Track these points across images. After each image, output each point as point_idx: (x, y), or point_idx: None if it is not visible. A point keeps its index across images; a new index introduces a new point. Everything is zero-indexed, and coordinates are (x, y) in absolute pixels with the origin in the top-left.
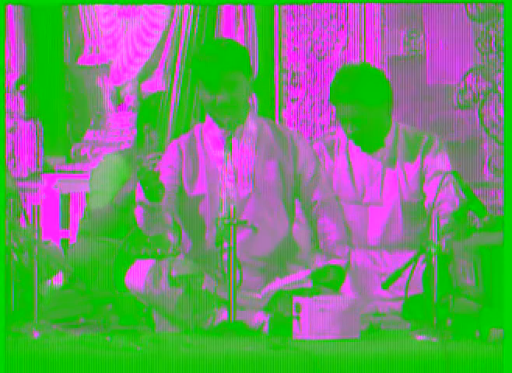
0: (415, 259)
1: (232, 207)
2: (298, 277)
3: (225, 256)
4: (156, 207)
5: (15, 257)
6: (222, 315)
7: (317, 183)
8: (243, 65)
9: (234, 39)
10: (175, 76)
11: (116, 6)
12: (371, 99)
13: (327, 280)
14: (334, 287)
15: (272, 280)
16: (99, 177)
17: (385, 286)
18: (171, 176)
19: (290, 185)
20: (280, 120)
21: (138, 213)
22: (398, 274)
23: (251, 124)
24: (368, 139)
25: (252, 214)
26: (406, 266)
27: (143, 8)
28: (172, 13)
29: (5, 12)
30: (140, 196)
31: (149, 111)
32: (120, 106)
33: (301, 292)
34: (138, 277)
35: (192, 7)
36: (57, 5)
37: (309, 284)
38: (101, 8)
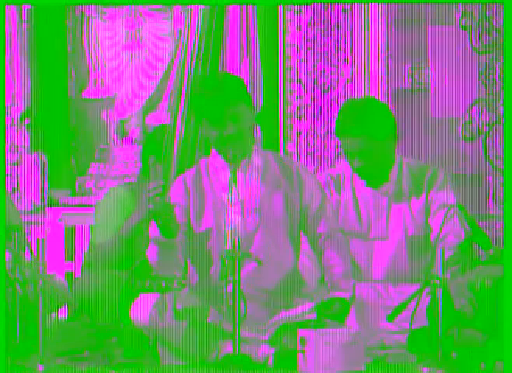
0: (420, 291)
1: (237, 239)
2: (303, 309)
3: (230, 289)
4: (172, 244)
5: (19, 290)
6: (227, 348)
7: (322, 216)
8: (244, 96)
9: (237, 73)
10: (179, 109)
11: (120, 39)
12: (377, 132)
13: (332, 313)
14: (339, 319)
15: (277, 313)
16: (103, 210)
17: (390, 319)
18: (179, 214)
19: (296, 217)
20: (285, 152)
21: (151, 251)
22: (402, 307)
23: (257, 157)
24: (373, 173)
25: (259, 247)
26: (411, 298)
27: (147, 41)
28: (176, 46)
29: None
30: (154, 232)
31: (154, 144)
32: (125, 139)
33: (306, 325)
34: (143, 310)
35: (197, 40)
36: (62, 38)
37: (313, 316)
38: (106, 41)
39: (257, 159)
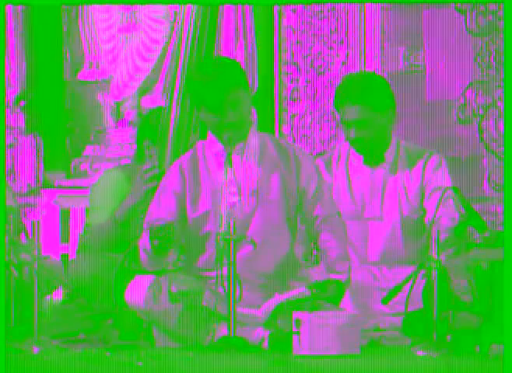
0: (415, 274)
1: (232, 222)
2: (298, 292)
3: (225, 272)
4: (160, 261)
5: (15, 273)
6: (222, 330)
7: (319, 198)
8: (242, 81)
9: (232, 56)
10: (175, 92)
11: (116, 21)
12: (376, 101)
13: (327, 295)
14: (334, 301)
15: (272, 295)
16: (99, 192)
17: (385, 301)
18: (176, 201)
19: (293, 200)
20: (280, 135)
21: (142, 255)
22: (397, 289)
23: (253, 139)
24: (370, 147)
25: (255, 230)
26: (406, 281)
27: (143, 23)
28: (172, 28)
29: (5, 23)
30: (145, 243)
31: (149, 126)
32: (120, 121)
33: (301, 307)
34: (138, 292)
35: (192, 22)
36: (57, 23)
37: (308, 295)
38: (101, 23)
39: (253, 142)
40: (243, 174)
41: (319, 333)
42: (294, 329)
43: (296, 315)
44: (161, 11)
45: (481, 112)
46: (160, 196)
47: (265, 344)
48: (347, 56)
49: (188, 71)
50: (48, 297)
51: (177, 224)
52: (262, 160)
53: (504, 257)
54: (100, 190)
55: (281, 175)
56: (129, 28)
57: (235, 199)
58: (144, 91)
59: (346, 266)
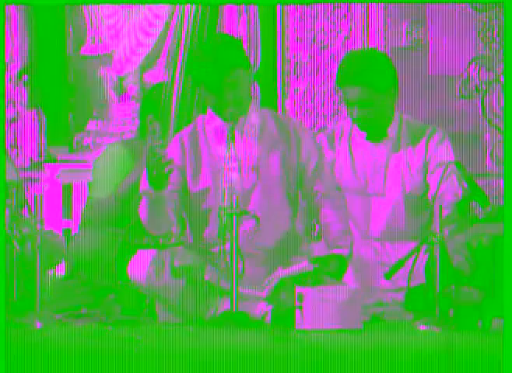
0: (418, 249)
1: (234, 197)
2: (300, 266)
3: (227, 247)
4: (160, 198)
5: (17, 247)
6: (225, 305)
7: (319, 174)
8: (242, 60)
9: (235, 31)
10: (177, 66)
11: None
12: (378, 82)
13: (330, 270)
14: (337, 276)
15: (274, 270)
16: (101, 167)
17: (388, 276)
18: (176, 174)
19: (293, 176)
20: (283, 110)
21: (141, 207)
22: (400, 265)
23: (254, 116)
24: (373, 125)
25: (256, 206)
26: (408, 256)
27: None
28: (175, 3)
29: (5, 7)
30: (144, 185)
31: (152, 101)
32: (123, 96)
33: (303, 282)
34: (140, 267)
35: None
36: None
37: (310, 269)
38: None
39: (254, 117)
40: (243, 150)
41: (321, 308)
42: (296, 304)
43: (298, 289)
44: None
45: (484, 87)
46: None
47: (268, 319)
48: (350, 31)
49: (190, 47)
50: (51, 272)
51: (178, 196)
52: (262, 136)
53: (504, 232)
54: (103, 165)
55: (281, 151)
56: (131, 3)
57: (235, 174)
58: (146, 66)
59: (348, 240)
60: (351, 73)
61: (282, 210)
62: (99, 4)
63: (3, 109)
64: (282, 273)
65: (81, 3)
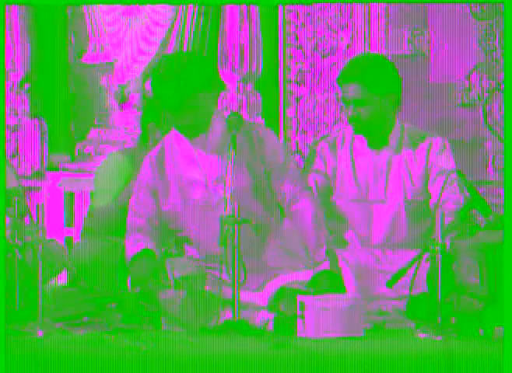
0: (419, 257)
1: (236, 205)
2: (300, 274)
3: (228, 256)
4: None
5: (19, 256)
6: (226, 314)
7: (286, 174)
8: (206, 83)
9: (237, 38)
10: None
11: (120, 5)
12: (375, 83)
13: (324, 288)
14: (335, 290)
15: (274, 277)
16: (103, 176)
17: (389, 285)
18: (151, 195)
19: (264, 181)
20: (284, 118)
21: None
22: (402, 273)
23: (216, 127)
24: (368, 128)
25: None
26: (410, 264)
27: (147, 6)
28: (176, 11)
29: (6, 11)
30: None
31: (154, 110)
32: (124, 104)
33: (303, 291)
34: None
35: (196, 5)
36: (61, 5)
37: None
38: (105, 6)
39: (216, 130)
40: (207, 165)
41: (323, 316)
42: (298, 312)
43: (299, 298)
44: None
45: (485, 95)
46: (138, 192)
47: (269, 327)
48: (351, 39)
49: (155, 65)
50: (52, 280)
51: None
52: (224, 149)
53: (504, 240)
54: (104, 174)
55: (246, 160)
56: (133, 11)
57: (200, 191)
58: (148, 74)
59: (322, 252)
60: (350, 71)
61: (266, 217)
62: (99, 4)
63: (3, 117)
64: (282, 280)
65: (81, 3)
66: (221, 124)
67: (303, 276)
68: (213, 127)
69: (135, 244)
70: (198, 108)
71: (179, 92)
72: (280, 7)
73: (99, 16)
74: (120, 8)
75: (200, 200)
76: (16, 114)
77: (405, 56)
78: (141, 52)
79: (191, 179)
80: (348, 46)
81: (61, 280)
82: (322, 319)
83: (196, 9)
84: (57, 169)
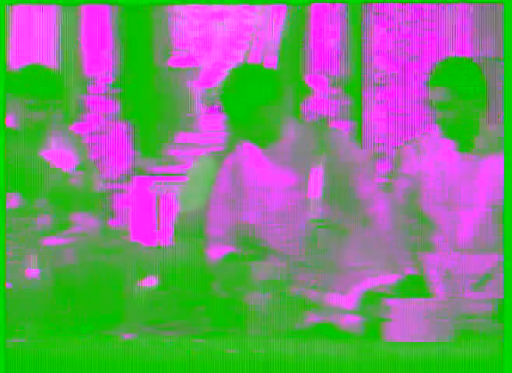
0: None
1: (318, 209)
2: (385, 280)
3: (312, 259)
4: None
5: (104, 259)
6: (312, 317)
7: (361, 176)
8: (269, 96)
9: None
10: None
11: (208, 8)
12: (462, 87)
13: (410, 292)
14: (420, 294)
15: (359, 280)
16: (191, 179)
17: (477, 288)
18: (227, 206)
19: (343, 179)
20: (369, 121)
21: None
22: (489, 276)
23: (291, 135)
24: (456, 132)
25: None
26: (498, 267)
27: (234, 10)
28: (265, 15)
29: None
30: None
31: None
32: (211, 108)
33: (391, 295)
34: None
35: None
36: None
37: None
38: (192, 9)
39: (289, 138)
40: (282, 173)
41: (410, 320)
42: (385, 316)
43: (387, 301)
44: None
45: None
46: (215, 203)
47: (357, 330)
48: (437, 42)
49: (230, 74)
50: (140, 283)
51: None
52: (300, 155)
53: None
54: (192, 177)
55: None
56: (221, 15)
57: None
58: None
59: (406, 256)
60: (438, 74)
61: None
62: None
63: (3, 117)
64: (368, 283)
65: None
66: (294, 131)
67: (389, 279)
68: (286, 135)
69: (218, 249)
70: (265, 120)
71: (243, 105)
72: (364, 7)
73: (185, 20)
74: (208, 11)
75: (279, 208)
76: (105, 118)
77: (493, 59)
78: (228, 56)
79: (268, 187)
80: (435, 49)
81: (150, 284)
82: (409, 323)
83: (285, 12)
84: (143, 173)
